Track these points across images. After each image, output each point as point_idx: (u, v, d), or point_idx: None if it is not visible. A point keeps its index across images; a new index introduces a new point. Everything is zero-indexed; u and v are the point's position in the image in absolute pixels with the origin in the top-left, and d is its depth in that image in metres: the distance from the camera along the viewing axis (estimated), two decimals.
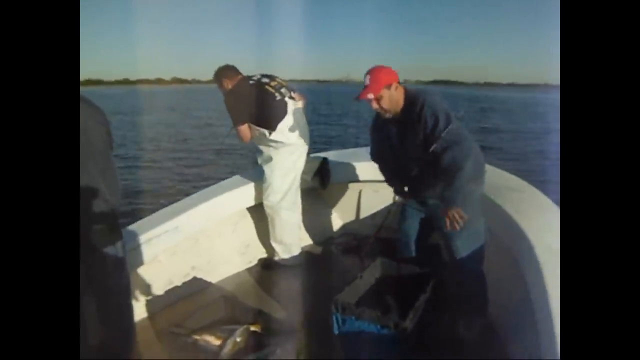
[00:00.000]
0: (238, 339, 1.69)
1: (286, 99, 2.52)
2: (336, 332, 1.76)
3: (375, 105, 1.84)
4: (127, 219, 2.41)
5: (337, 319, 1.74)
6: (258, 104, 2.46)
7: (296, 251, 2.74)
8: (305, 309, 2.21)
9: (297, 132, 2.54)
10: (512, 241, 1.94)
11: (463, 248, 1.90)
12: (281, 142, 2.51)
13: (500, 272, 2.14)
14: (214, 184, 2.81)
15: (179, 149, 11.83)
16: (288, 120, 2.49)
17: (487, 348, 1.85)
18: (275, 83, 2.57)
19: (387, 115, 1.88)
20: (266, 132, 2.47)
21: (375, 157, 2.22)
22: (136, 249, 2.02)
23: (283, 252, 2.70)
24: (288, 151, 2.55)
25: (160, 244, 2.18)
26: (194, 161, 10.18)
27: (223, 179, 2.88)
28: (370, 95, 1.80)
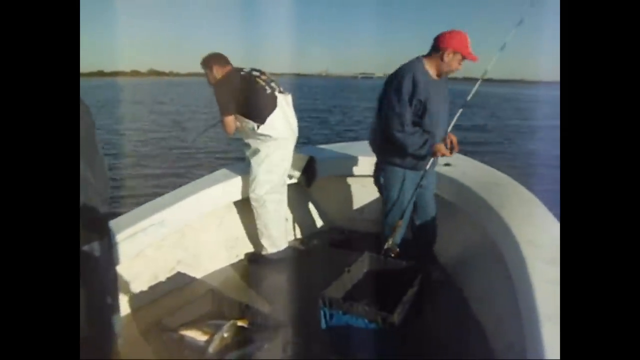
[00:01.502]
0: (225, 335, 1.67)
1: (276, 92, 2.51)
2: (324, 326, 1.77)
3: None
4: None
5: (324, 313, 1.74)
6: (248, 95, 2.44)
7: (283, 245, 2.72)
8: (293, 303, 2.21)
9: (285, 126, 2.53)
10: (497, 235, 1.97)
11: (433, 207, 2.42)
12: (269, 136, 2.48)
13: (485, 266, 2.17)
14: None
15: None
16: (277, 114, 2.47)
17: (471, 342, 1.88)
18: (265, 77, 2.56)
19: (441, 77, 2.22)
20: (255, 125, 2.44)
21: (412, 121, 2.18)
22: (121, 243, 1.98)
23: (270, 247, 2.67)
24: (275, 145, 2.51)
25: (145, 238, 2.14)
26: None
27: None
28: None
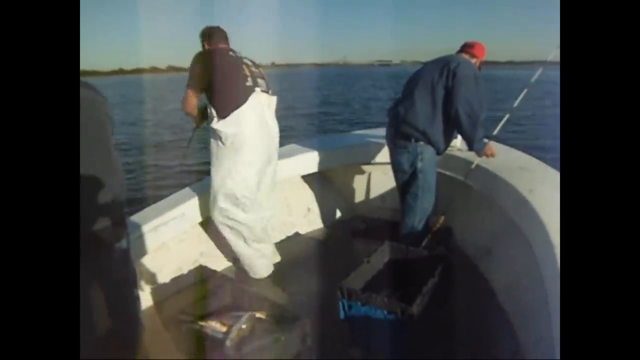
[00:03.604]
0: (243, 326, 1.68)
1: (257, 89, 2.14)
2: (342, 317, 1.74)
3: None
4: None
5: (343, 304, 1.72)
6: (221, 78, 2.06)
7: (261, 274, 2.39)
8: (313, 294, 2.19)
9: (256, 130, 2.12)
10: (524, 222, 1.87)
11: None
12: (226, 136, 2.07)
13: (512, 255, 2.07)
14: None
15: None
16: (246, 112, 2.07)
17: (499, 334, 1.81)
18: (257, 70, 2.22)
19: None
20: (215, 116, 2.07)
21: None
22: (143, 236, 2.02)
23: (249, 271, 2.37)
24: (236, 151, 2.10)
25: (167, 231, 2.18)
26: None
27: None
28: None
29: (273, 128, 2.25)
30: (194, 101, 2.11)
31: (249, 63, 2.20)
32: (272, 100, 2.25)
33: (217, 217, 2.23)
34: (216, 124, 2.07)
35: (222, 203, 2.18)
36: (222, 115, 2.05)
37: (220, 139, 2.09)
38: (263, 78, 2.23)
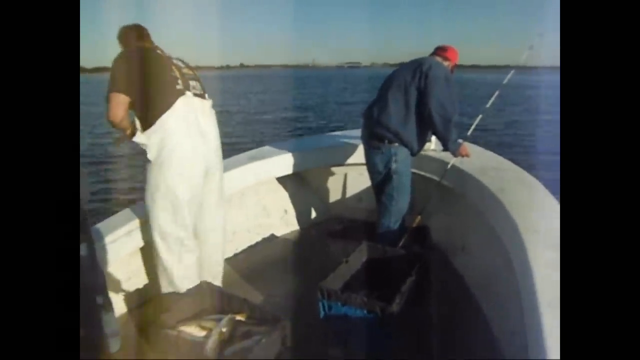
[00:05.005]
0: (223, 329, 1.66)
1: (188, 92, 1.86)
2: (322, 318, 1.75)
3: None
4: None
5: (323, 305, 1.73)
6: (149, 81, 1.78)
7: (185, 287, 1.98)
8: (292, 295, 2.19)
9: (189, 141, 1.83)
10: (496, 220, 1.94)
11: None
12: (149, 149, 1.79)
13: (486, 253, 2.14)
14: None
15: None
16: (170, 119, 1.78)
17: (474, 330, 1.87)
18: (189, 72, 1.96)
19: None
20: (139, 129, 1.80)
21: None
22: (118, 240, 1.96)
23: (168, 287, 1.99)
24: (159, 163, 1.80)
25: (142, 235, 2.12)
26: None
27: None
28: None
29: (210, 135, 1.94)
30: (122, 108, 1.76)
31: (180, 64, 1.94)
32: (206, 105, 1.96)
33: (157, 248, 1.95)
34: (137, 138, 1.79)
35: (161, 237, 1.92)
36: (147, 125, 1.78)
37: (145, 155, 1.82)
38: (197, 80, 1.97)
